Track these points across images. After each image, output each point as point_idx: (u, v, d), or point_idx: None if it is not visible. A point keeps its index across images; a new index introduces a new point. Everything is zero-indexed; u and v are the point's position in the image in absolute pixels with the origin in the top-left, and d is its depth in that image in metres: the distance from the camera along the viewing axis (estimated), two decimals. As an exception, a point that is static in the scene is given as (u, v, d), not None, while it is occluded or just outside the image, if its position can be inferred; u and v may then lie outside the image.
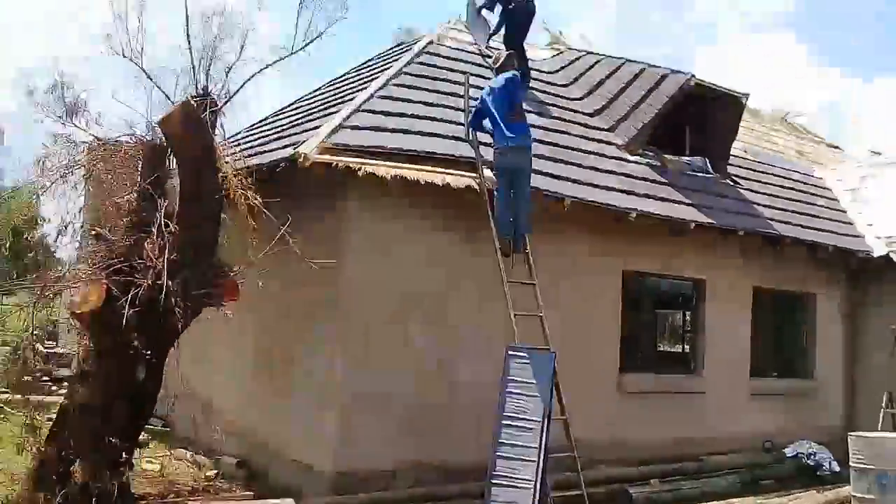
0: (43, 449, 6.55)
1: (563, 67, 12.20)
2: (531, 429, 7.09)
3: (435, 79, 9.79)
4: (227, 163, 6.98)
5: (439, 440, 8.05)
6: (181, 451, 9.52)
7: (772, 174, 13.04)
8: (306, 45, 9.36)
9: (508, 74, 8.36)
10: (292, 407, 8.57)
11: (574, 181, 9.25)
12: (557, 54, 12.83)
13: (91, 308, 6.11)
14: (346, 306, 7.97)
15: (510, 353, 7.40)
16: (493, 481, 6.97)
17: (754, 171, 12.82)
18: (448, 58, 10.61)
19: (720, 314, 10.96)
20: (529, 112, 10.37)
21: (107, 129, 8.05)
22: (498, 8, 11.48)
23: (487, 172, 8.37)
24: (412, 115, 8.77)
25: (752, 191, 11.97)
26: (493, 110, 8.14)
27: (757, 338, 11.46)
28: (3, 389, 8.05)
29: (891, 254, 11.97)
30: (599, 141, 10.70)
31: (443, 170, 8.10)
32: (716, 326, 10.91)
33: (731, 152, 12.93)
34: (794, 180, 13.30)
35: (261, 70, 9.21)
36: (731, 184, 11.80)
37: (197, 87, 8.57)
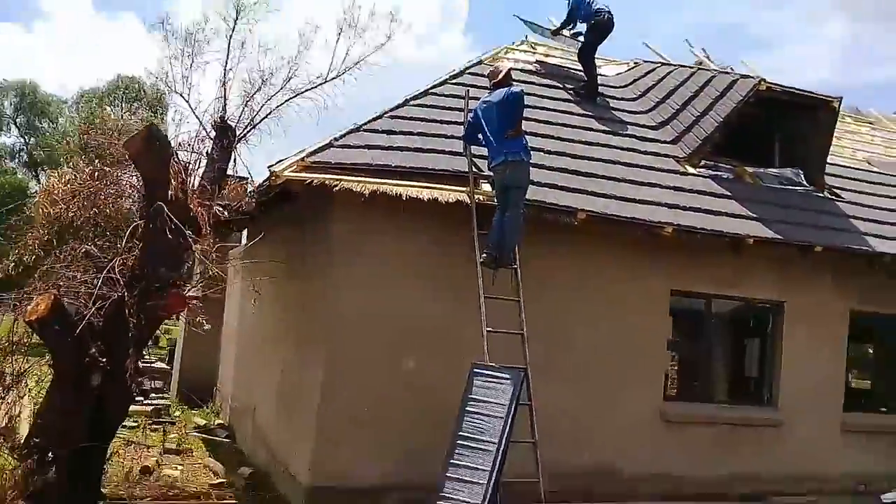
0: (21, 450, 7.14)
1: (634, 81, 11.49)
2: (486, 450, 6.64)
3: (462, 98, 9.61)
4: (191, 181, 7.36)
5: (426, 459, 7.69)
6: (210, 461, 9.92)
7: (896, 186, 11.38)
8: (339, 75, 9.75)
9: (515, 90, 8.02)
10: (293, 422, 8.67)
11: (600, 195, 8.64)
12: (632, 68, 12.13)
13: (38, 316, 6.56)
14: (330, 325, 7.94)
15: (474, 370, 7.02)
16: (439, 503, 6.60)
17: (872, 183, 11.26)
18: (491, 77, 10.38)
19: (803, 340, 9.66)
20: (585, 129, 9.98)
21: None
22: (575, 24, 11.32)
23: (486, 187, 8.11)
24: (420, 134, 8.66)
25: (858, 204, 10.50)
26: (486, 125, 7.87)
27: (859, 368, 9.98)
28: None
29: None
30: (656, 154, 9.92)
31: (434, 185, 7.93)
32: (797, 353, 9.61)
33: (853, 164, 11.63)
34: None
35: (288, 100, 9.68)
36: (830, 197, 10.43)
37: (222, 118, 9.16)
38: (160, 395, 15.36)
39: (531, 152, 7.85)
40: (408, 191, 7.72)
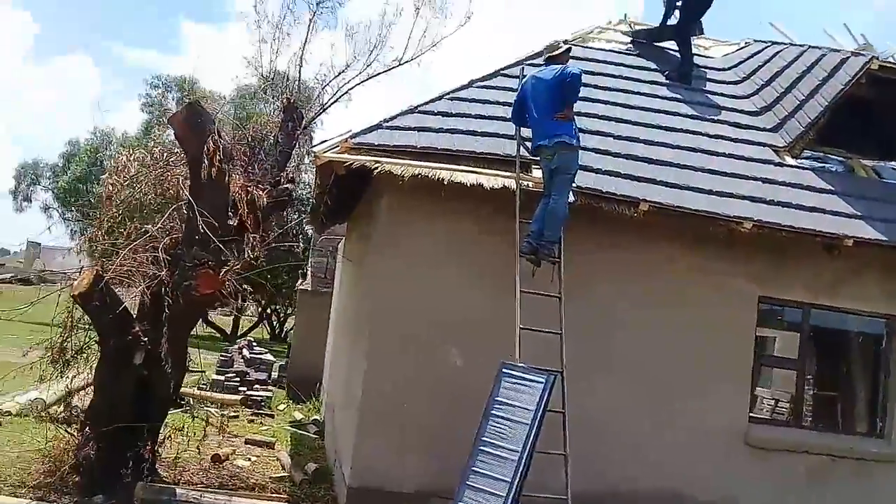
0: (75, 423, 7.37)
1: (739, 63, 10.43)
2: (508, 459, 6.15)
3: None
4: (233, 165, 7.30)
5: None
6: (283, 455, 9.93)
7: None
8: (415, 57, 9.62)
9: (573, 70, 7.38)
10: (346, 418, 8.48)
11: (672, 185, 7.86)
12: (741, 48, 11.04)
13: (81, 291, 6.73)
14: (370, 317, 7.69)
15: (503, 369, 6.52)
16: (457, 512, 6.18)
17: None
18: (579, 58, 9.68)
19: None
20: (669, 114, 9.18)
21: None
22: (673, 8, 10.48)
23: (537, 173, 7.56)
24: (477, 116, 8.21)
25: None
26: (532, 103, 7.33)
27: None
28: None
29: None
30: (750, 142, 8.95)
31: (481, 169, 7.46)
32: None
33: None
34: None
35: (361, 82, 9.65)
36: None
37: (289, 100, 9.11)
38: (265, 386, 15.61)
39: (581, 137, 7.28)
40: (451, 175, 7.32)
